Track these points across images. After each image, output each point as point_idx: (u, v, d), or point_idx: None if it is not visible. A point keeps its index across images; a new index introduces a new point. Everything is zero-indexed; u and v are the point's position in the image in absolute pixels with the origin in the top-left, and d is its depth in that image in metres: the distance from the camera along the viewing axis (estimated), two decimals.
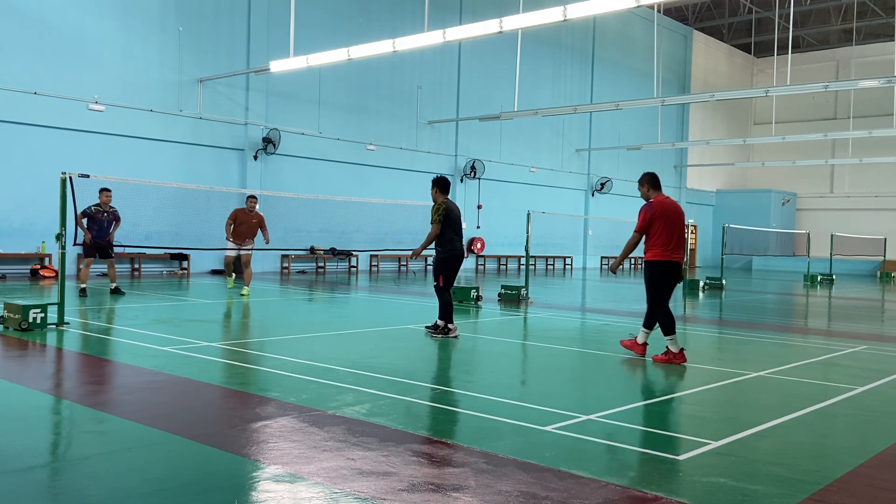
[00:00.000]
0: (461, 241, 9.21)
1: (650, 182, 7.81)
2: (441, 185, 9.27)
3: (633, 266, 34.23)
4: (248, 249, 13.74)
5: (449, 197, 9.40)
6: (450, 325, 9.07)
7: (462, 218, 9.41)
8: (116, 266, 16.50)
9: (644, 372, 7.24)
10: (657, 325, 7.79)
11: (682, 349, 7.59)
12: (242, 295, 13.43)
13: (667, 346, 7.61)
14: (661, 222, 7.56)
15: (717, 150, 41.15)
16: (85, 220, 12.62)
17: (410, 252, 9.23)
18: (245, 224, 13.64)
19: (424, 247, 9.22)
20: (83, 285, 12.84)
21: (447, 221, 8.99)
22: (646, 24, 33.54)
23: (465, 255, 9.49)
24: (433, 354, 7.98)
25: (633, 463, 4.20)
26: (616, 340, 9.34)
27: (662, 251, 7.60)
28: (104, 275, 17.30)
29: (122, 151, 18.08)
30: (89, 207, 12.76)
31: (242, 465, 3.98)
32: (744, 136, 41.48)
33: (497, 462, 4.11)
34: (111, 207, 13.15)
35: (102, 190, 13.01)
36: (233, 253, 13.87)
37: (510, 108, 25.57)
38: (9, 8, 16.29)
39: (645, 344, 7.93)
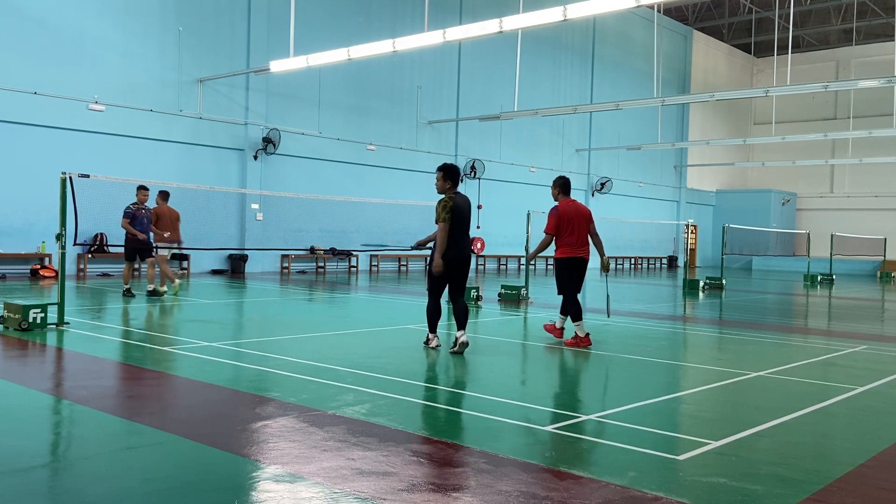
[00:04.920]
0: (464, 242, 7.94)
1: (561, 186, 8.82)
2: (448, 172, 7.85)
3: (633, 266, 34.24)
4: (165, 247, 13.26)
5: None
6: (430, 335, 8.10)
7: (473, 213, 8.36)
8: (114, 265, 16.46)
9: (644, 372, 7.25)
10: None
11: (587, 333, 8.57)
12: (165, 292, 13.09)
13: (575, 332, 8.59)
14: (566, 224, 8.59)
15: (717, 150, 41.15)
16: (129, 222, 12.47)
17: (429, 264, 8.02)
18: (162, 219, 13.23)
19: (440, 253, 7.72)
20: (126, 286, 12.58)
21: (453, 220, 7.74)
22: (646, 24, 33.54)
23: (456, 253, 7.89)
24: (433, 354, 7.97)
25: (633, 463, 4.20)
26: (616, 340, 9.37)
27: (569, 249, 8.64)
28: (104, 275, 17.30)
29: (122, 151, 18.08)
30: (129, 207, 12.57)
31: (242, 465, 3.98)
32: (744, 136, 41.49)
33: (497, 462, 4.11)
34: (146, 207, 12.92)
35: (140, 188, 12.79)
36: (166, 252, 13.37)
37: (510, 108, 25.56)
38: (9, 8, 16.29)
39: (562, 328, 8.97)
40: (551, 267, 30.06)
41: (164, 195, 13.38)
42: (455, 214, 7.76)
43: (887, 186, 38.88)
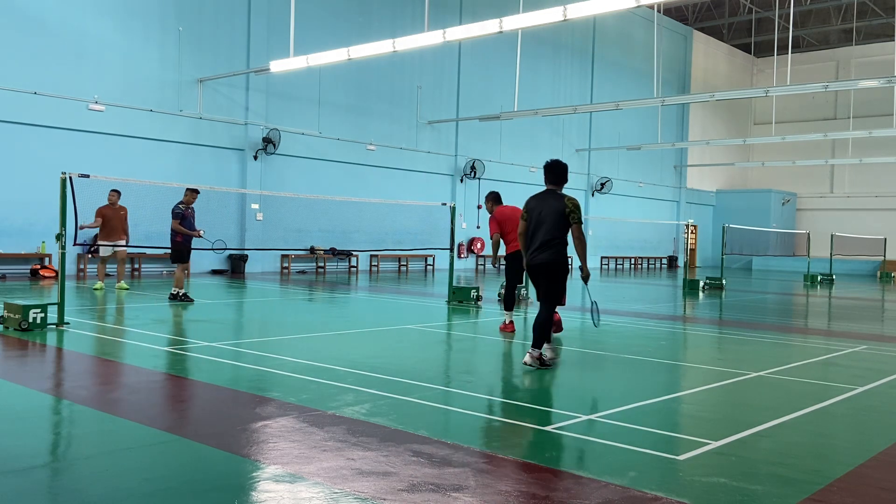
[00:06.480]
0: (535, 246, 7.06)
1: (493, 199, 10.21)
2: (544, 169, 7.38)
3: (632, 266, 34.24)
4: (123, 245, 13.96)
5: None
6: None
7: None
8: (109, 265, 16.35)
9: (644, 372, 7.25)
10: (514, 305, 10.05)
11: (511, 321, 9.74)
12: (124, 289, 13.77)
13: (510, 320, 9.80)
14: (509, 225, 9.65)
15: (717, 150, 41.14)
16: (179, 222, 12.41)
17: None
18: (114, 219, 13.90)
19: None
20: (183, 291, 12.30)
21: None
22: (646, 24, 33.53)
23: (528, 259, 7.23)
24: (433, 354, 7.98)
25: (633, 463, 4.20)
26: (616, 340, 9.36)
27: (514, 245, 9.74)
28: (107, 275, 17.27)
29: (122, 151, 18.07)
30: (177, 207, 12.44)
31: (242, 465, 3.98)
32: (744, 136, 41.47)
33: (497, 462, 4.11)
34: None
35: (191, 190, 12.75)
36: (108, 251, 14.04)
37: (510, 108, 25.55)
38: (9, 8, 16.29)
39: (511, 322, 9.75)
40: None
41: (117, 193, 14.07)
42: (527, 215, 7.19)
43: (887, 186, 38.87)
